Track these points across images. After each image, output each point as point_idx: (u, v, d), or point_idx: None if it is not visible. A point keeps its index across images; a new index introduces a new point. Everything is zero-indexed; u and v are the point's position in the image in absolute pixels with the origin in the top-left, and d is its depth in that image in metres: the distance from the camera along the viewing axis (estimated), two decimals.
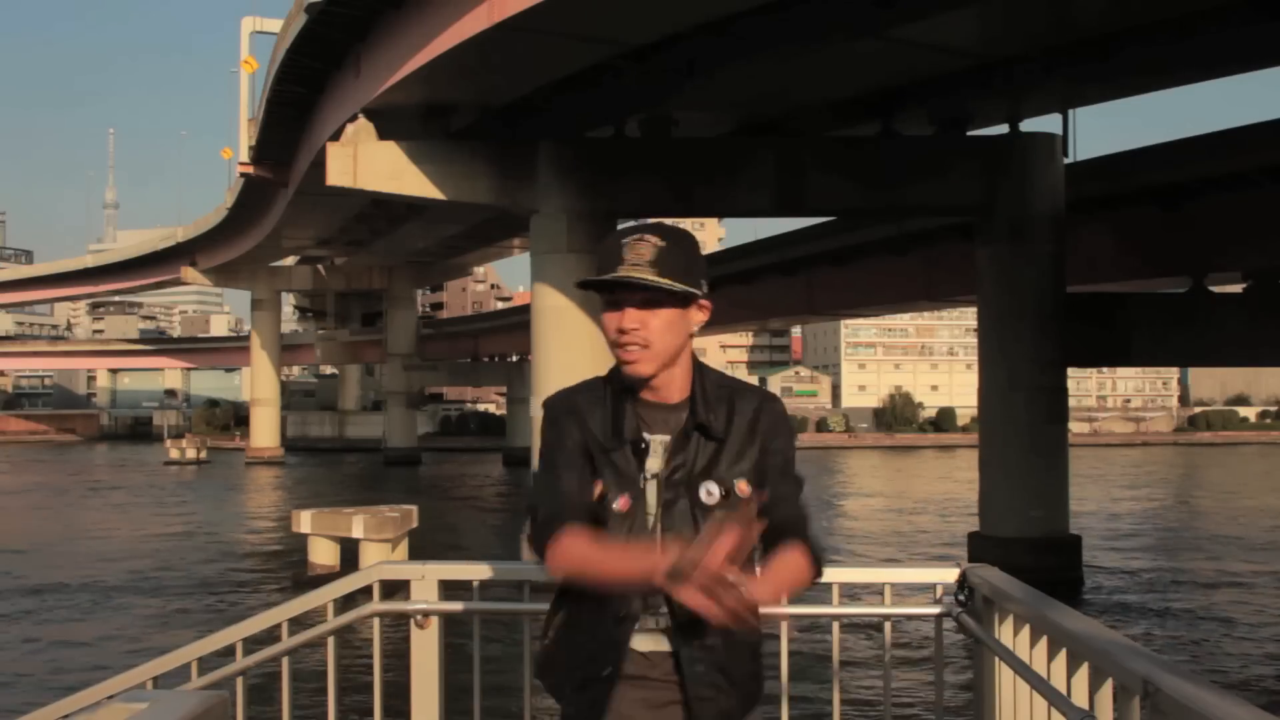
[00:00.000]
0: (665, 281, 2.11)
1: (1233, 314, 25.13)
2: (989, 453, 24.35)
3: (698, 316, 2.21)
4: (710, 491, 2.16)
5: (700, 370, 2.25)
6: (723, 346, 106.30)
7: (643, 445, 2.19)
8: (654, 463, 2.19)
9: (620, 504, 2.17)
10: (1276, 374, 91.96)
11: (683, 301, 2.17)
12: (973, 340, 40.70)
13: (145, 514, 37.79)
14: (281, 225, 47.69)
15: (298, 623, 3.42)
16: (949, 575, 3.16)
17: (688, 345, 2.24)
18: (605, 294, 2.18)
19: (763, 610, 1.94)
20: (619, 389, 2.23)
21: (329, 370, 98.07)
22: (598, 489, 2.20)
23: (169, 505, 41.45)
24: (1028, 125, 25.02)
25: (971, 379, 30.41)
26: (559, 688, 2.30)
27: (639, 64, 19.86)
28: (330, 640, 3.42)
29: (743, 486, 2.17)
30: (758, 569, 2.12)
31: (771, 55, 19.41)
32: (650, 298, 2.13)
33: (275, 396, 70.27)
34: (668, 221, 2.30)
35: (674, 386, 2.21)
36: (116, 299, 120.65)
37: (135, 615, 21.13)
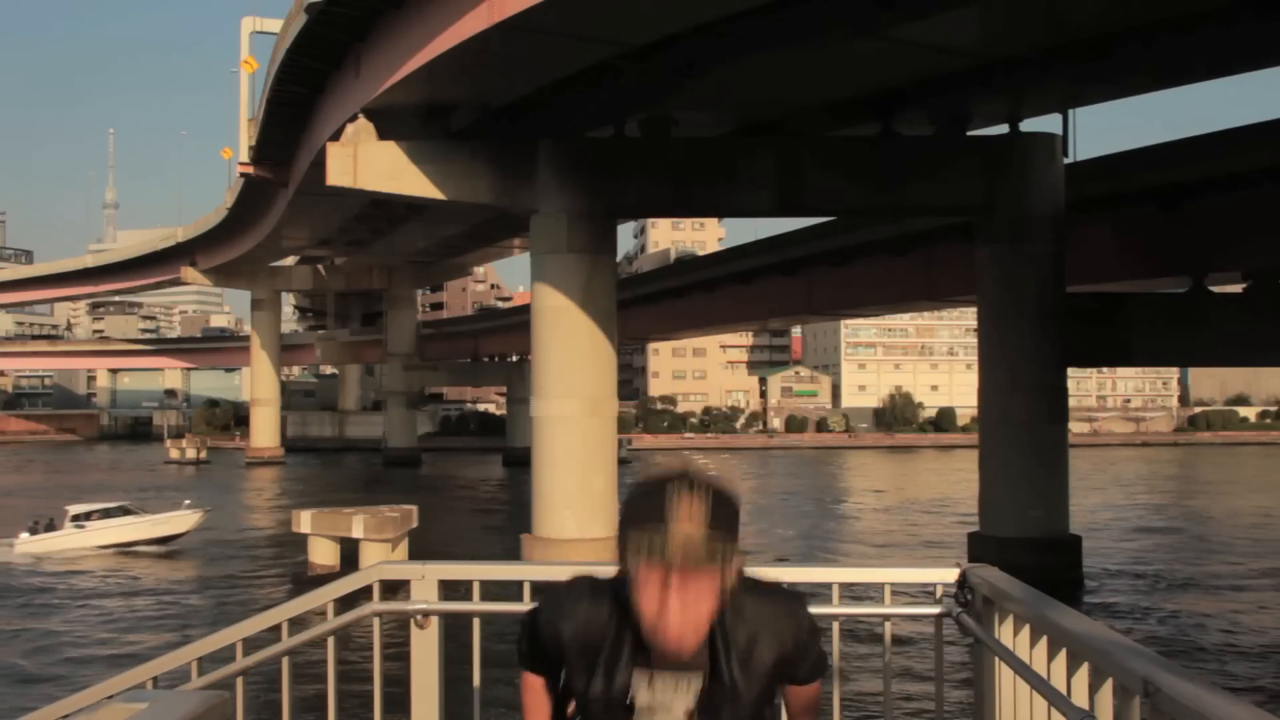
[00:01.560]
0: (719, 570, 1.93)
1: (1233, 314, 25.12)
2: (989, 453, 24.35)
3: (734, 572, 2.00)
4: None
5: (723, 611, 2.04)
6: (723, 346, 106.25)
7: (628, 702, 2.07)
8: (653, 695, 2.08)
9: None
10: (1276, 374, 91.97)
11: (728, 563, 1.96)
12: (973, 340, 40.72)
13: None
14: (281, 225, 47.71)
15: (298, 623, 3.42)
16: (949, 575, 3.15)
17: None
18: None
19: None
20: (623, 624, 2.06)
21: (329, 370, 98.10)
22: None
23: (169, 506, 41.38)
24: (1028, 125, 25.06)
25: (971, 379, 30.41)
26: None
27: (639, 64, 19.84)
28: (330, 640, 3.42)
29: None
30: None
31: (771, 55, 19.40)
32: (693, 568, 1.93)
33: (275, 396, 70.32)
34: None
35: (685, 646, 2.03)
36: (116, 299, 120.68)
37: (135, 615, 21.13)
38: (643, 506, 1.92)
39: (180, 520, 30.04)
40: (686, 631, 1.94)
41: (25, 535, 28.83)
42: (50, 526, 29.44)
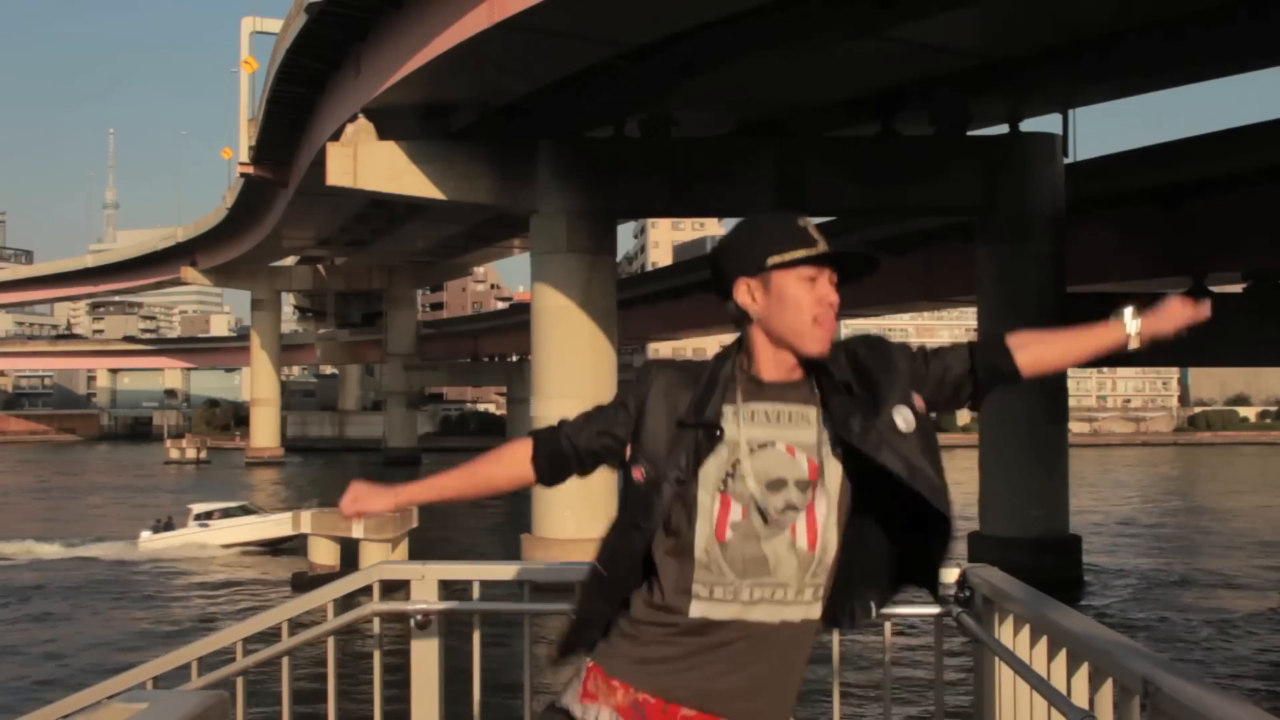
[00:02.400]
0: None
1: (1233, 314, 25.10)
2: (989, 452, 24.35)
3: None
4: (906, 418, 2.11)
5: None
6: (723, 346, 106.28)
7: (718, 432, 2.11)
8: (745, 430, 2.11)
9: (637, 473, 2.12)
10: (1276, 374, 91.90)
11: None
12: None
13: (145, 515, 37.75)
14: (281, 225, 47.70)
15: (298, 623, 3.42)
16: (949, 575, 3.15)
17: None
18: (797, 268, 2.13)
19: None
20: (713, 379, 2.17)
21: (329, 370, 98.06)
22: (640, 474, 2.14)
23: (169, 506, 41.42)
24: (1028, 125, 25.07)
25: None
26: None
27: (639, 64, 19.85)
28: (330, 640, 3.42)
29: (920, 401, 2.16)
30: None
31: (771, 55, 19.40)
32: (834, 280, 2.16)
33: (275, 396, 70.29)
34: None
35: (791, 364, 2.17)
36: (116, 299, 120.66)
37: (134, 615, 21.13)
38: (782, 232, 2.17)
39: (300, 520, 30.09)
40: (831, 334, 2.14)
41: (147, 534, 29.21)
42: (169, 525, 29.85)
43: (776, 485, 2.08)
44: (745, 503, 2.08)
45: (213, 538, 29.01)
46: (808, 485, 2.09)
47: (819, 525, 2.09)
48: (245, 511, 30.21)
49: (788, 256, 2.11)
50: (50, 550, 29.14)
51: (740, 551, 2.07)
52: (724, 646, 2.07)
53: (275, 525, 29.76)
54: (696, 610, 2.07)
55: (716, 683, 2.08)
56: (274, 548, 29.10)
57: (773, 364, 2.16)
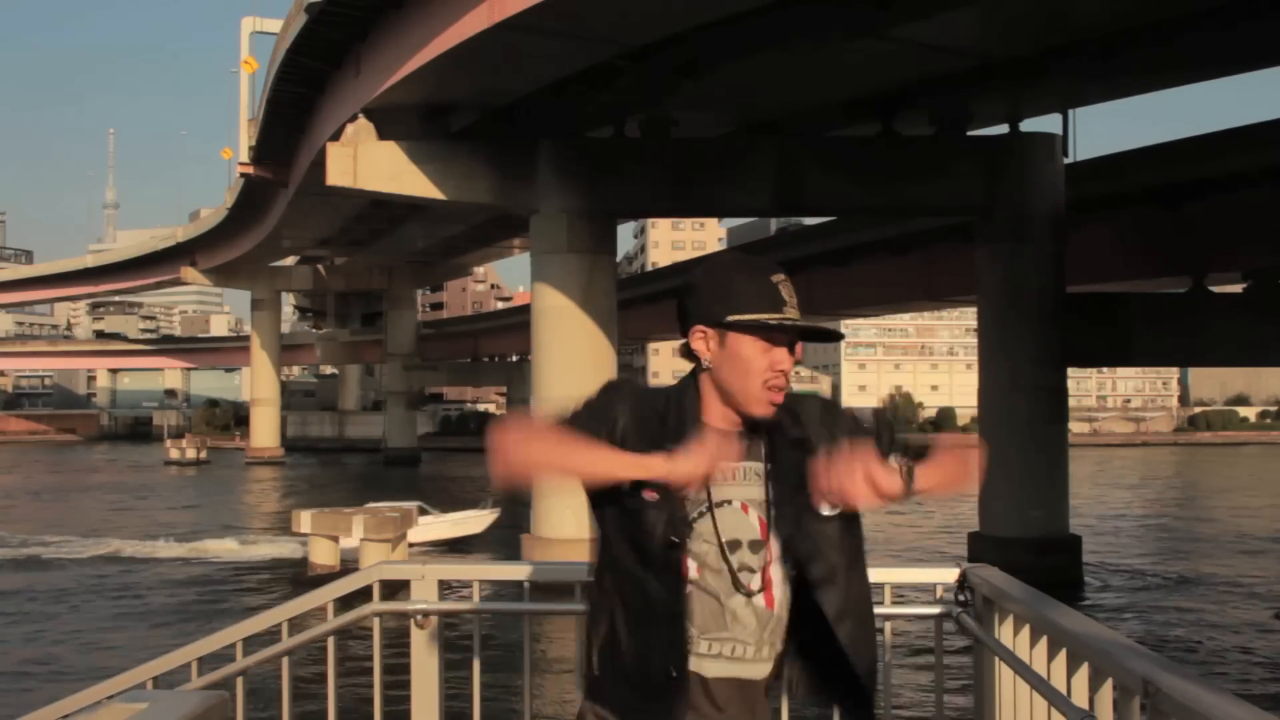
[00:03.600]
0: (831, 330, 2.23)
1: (1233, 314, 25.12)
2: (989, 453, 24.30)
3: None
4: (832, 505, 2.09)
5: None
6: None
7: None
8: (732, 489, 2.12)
9: (648, 494, 2.06)
10: (1276, 374, 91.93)
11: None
12: (973, 340, 40.72)
13: (145, 515, 37.78)
14: (281, 225, 47.71)
15: (298, 623, 3.42)
16: (949, 575, 3.16)
17: None
18: (759, 334, 2.11)
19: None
20: (681, 410, 2.15)
21: (329, 370, 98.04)
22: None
23: (168, 506, 41.45)
24: (1028, 125, 25.06)
25: (971, 379, 30.40)
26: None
27: (639, 64, 19.85)
28: (330, 640, 3.42)
29: None
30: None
31: (771, 56, 19.41)
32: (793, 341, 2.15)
33: (275, 396, 70.29)
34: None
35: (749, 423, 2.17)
36: (116, 299, 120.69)
37: (132, 616, 21.13)
38: (754, 291, 2.12)
39: (478, 520, 30.05)
40: (780, 400, 2.11)
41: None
42: None
43: (733, 545, 2.09)
44: (701, 560, 2.08)
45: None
46: (760, 545, 2.10)
47: (774, 584, 2.11)
48: (422, 512, 29.98)
49: (747, 318, 2.09)
50: (227, 548, 28.79)
51: (701, 606, 2.08)
52: (683, 699, 2.08)
53: (454, 525, 29.63)
54: None
55: None
56: (452, 546, 28.96)
57: (719, 415, 2.15)
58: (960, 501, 36.31)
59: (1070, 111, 24.74)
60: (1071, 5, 19.49)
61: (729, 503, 2.10)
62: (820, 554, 2.09)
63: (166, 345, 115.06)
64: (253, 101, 44.23)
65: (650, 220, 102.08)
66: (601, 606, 2.16)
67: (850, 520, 2.12)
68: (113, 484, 51.17)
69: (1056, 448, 24.10)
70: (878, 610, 3.30)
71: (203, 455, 66.92)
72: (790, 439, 2.13)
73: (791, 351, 2.12)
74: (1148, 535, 33.38)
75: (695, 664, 2.08)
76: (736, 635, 2.09)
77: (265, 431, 68.28)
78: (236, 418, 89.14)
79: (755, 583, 2.09)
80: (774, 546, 2.11)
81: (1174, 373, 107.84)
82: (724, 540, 2.08)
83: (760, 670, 2.12)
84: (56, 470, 61.23)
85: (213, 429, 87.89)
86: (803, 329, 2.13)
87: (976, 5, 17.96)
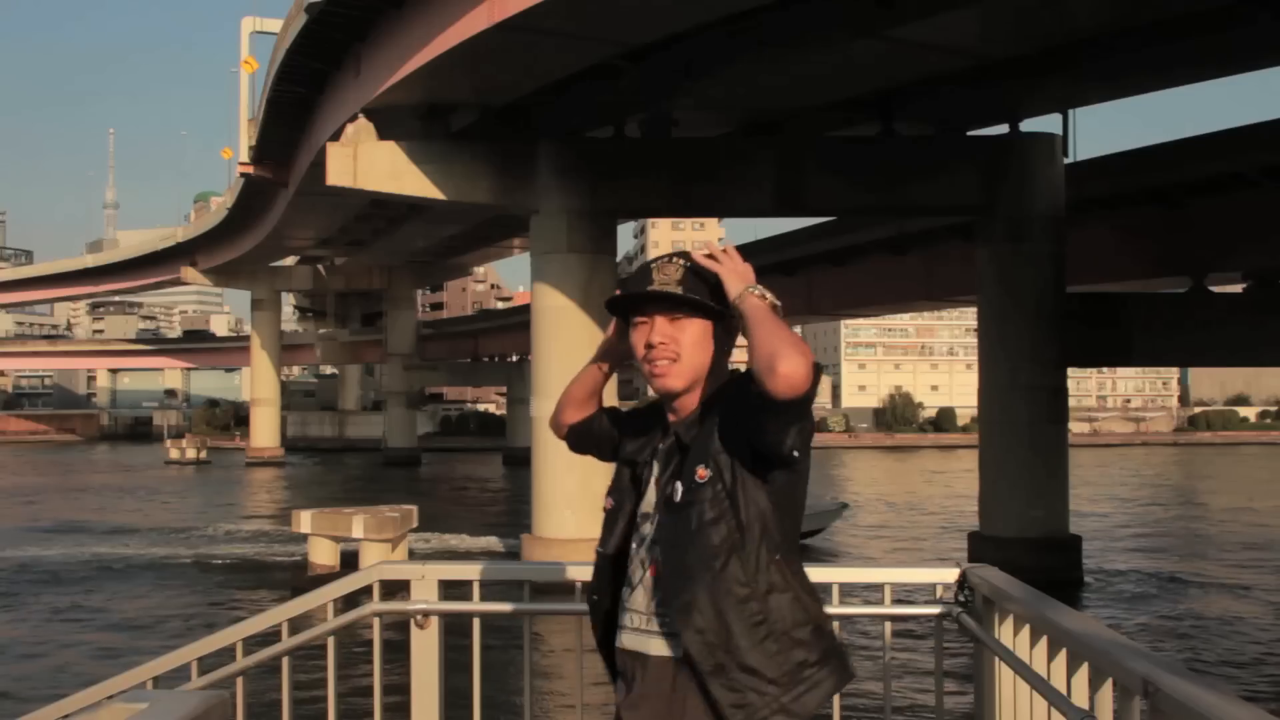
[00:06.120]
0: (693, 296, 2.19)
1: (1233, 314, 25.12)
2: (989, 453, 24.34)
3: (728, 342, 2.26)
4: (677, 490, 2.15)
5: (720, 386, 2.26)
6: None
7: (642, 467, 2.30)
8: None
9: (606, 503, 2.32)
10: (1276, 374, 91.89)
11: (712, 318, 2.21)
12: (973, 340, 40.75)
13: (145, 515, 37.79)
14: (281, 225, 47.71)
15: (298, 623, 3.42)
16: (949, 575, 3.16)
17: (721, 375, 2.27)
18: (634, 316, 2.24)
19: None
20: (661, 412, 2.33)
21: (329, 370, 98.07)
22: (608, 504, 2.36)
23: (168, 507, 41.46)
24: (1028, 125, 25.05)
25: (971, 379, 30.38)
26: None
27: (639, 64, 19.86)
28: (330, 640, 3.42)
29: (701, 471, 2.13)
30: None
31: (771, 56, 19.41)
32: (680, 315, 2.20)
33: (275, 396, 70.27)
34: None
35: (684, 413, 2.25)
36: (116, 299, 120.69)
37: (132, 615, 21.12)
38: (632, 278, 2.27)
39: (828, 514, 30.03)
40: (674, 370, 2.20)
41: None
42: None
43: (644, 518, 2.26)
44: (639, 539, 2.26)
45: None
46: (649, 518, 2.25)
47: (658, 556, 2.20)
48: None
49: (607, 302, 2.29)
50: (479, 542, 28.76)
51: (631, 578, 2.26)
52: (627, 675, 2.24)
53: (814, 519, 29.52)
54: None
55: (626, 712, 2.20)
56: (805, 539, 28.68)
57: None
58: (960, 501, 36.31)
59: (1070, 111, 24.75)
60: (1071, 5, 19.49)
61: (653, 479, 2.25)
62: (674, 537, 2.14)
63: (166, 345, 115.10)
64: (253, 101, 44.18)
65: (650, 220, 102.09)
66: None
67: (699, 505, 2.11)
68: (112, 485, 51.18)
69: (1056, 448, 24.09)
70: (878, 610, 3.31)
71: (203, 455, 66.89)
72: (686, 423, 2.23)
73: (671, 324, 2.21)
74: (1148, 535, 33.36)
75: (619, 636, 2.24)
76: (635, 606, 2.22)
77: (265, 431, 68.28)
78: (236, 418, 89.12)
79: (645, 556, 2.21)
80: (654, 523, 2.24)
81: (1174, 373, 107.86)
82: (639, 513, 2.26)
83: (651, 644, 2.17)
84: (44, 473, 61.21)
85: (213, 429, 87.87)
86: (648, 296, 2.21)
87: (976, 5, 17.97)
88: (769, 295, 2.10)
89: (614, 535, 2.28)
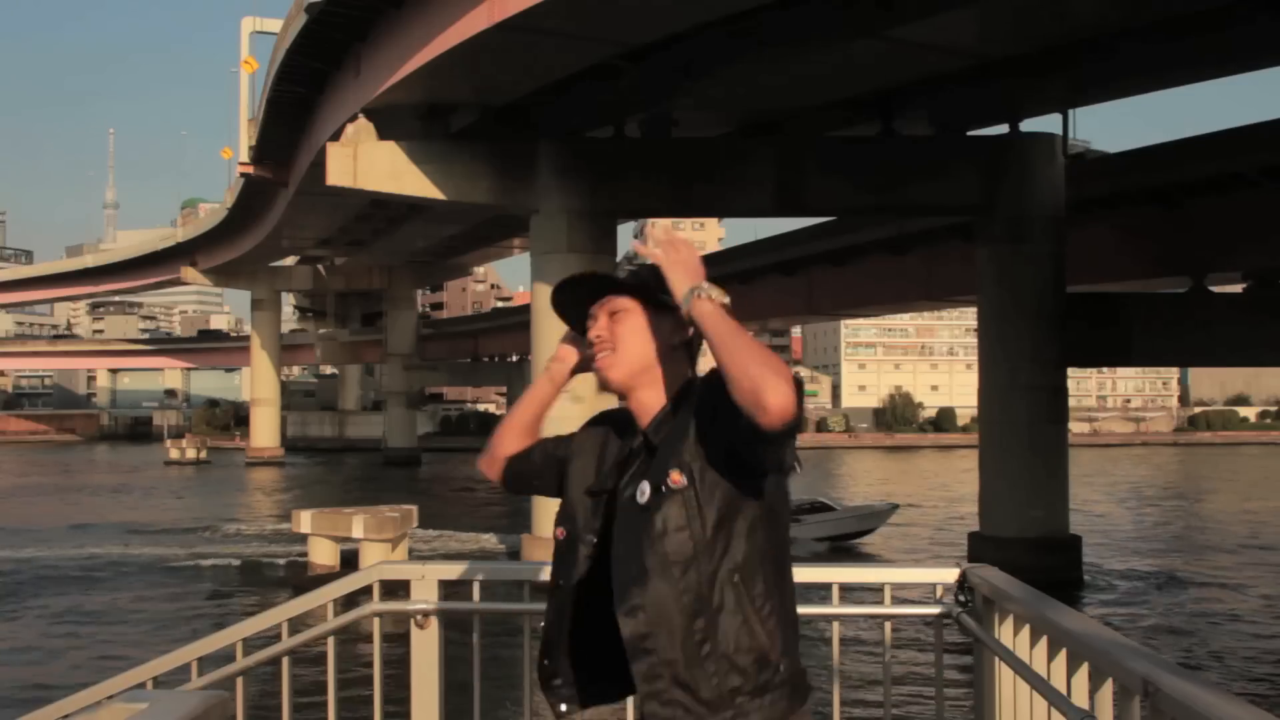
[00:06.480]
0: (611, 275, 2.21)
1: (1233, 314, 25.12)
2: (989, 453, 24.34)
3: (677, 331, 2.15)
4: (643, 490, 2.03)
5: (684, 389, 2.13)
6: None
7: (607, 478, 2.19)
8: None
9: (558, 532, 2.21)
10: (1276, 374, 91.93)
11: (658, 312, 2.13)
12: (973, 340, 40.73)
13: (144, 515, 37.79)
14: (281, 225, 47.71)
15: (298, 623, 3.41)
16: (949, 575, 3.16)
17: (678, 366, 2.16)
18: (587, 322, 2.24)
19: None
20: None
21: (329, 370, 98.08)
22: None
23: (168, 507, 41.46)
24: (1028, 125, 25.07)
25: (971, 379, 30.37)
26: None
27: (639, 64, 19.86)
28: (330, 640, 3.42)
29: (675, 477, 2.00)
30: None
31: (771, 56, 19.41)
32: (618, 308, 2.17)
33: (275, 396, 70.29)
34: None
35: (648, 411, 2.14)
36: (116, 299, 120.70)
37: (131, 615, 21.12)
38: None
39: (880, 514, 30.10)
40: (612, 361, 2.15)
41: None
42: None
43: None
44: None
45: (806, 532, 28.46)
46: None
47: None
48: (826, 507, 29.94)
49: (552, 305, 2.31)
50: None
51: None
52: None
53: (859, 520, 29.59)
54: None
55: None
56: (841, 542, 28.95)
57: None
58: (960, 502, 36.31)
59: (1070, 111, 24.76)
60: (1071, 5, 19.49)
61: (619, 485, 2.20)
62: (634, 539, 2.02)
63: (166, 345, 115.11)
64: (253, 101, 44.21)
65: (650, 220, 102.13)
66: None
67: (663, 510, 2.00)
68: (112, 485, 51.18)
69: (1056, 448, 24.09)
70: (878, 610, 3.31)
71: (203, 455, 66.92)
72: (654, 423, 2.14)
73: (611, 318, 2.18)
74: (1148, 535, 33.37)
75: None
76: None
77: (265, 431, 68.29)
78: (236, 418, 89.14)
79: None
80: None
81: (1174, 373, 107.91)
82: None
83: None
84: (44, 473, 61.21)
85: (213, 429, 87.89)
86: (574, 284, 2.25)
87: (976, 5, 17.97)
88: (715, 294, 1.99)
89: (576, 565, 2.14)
